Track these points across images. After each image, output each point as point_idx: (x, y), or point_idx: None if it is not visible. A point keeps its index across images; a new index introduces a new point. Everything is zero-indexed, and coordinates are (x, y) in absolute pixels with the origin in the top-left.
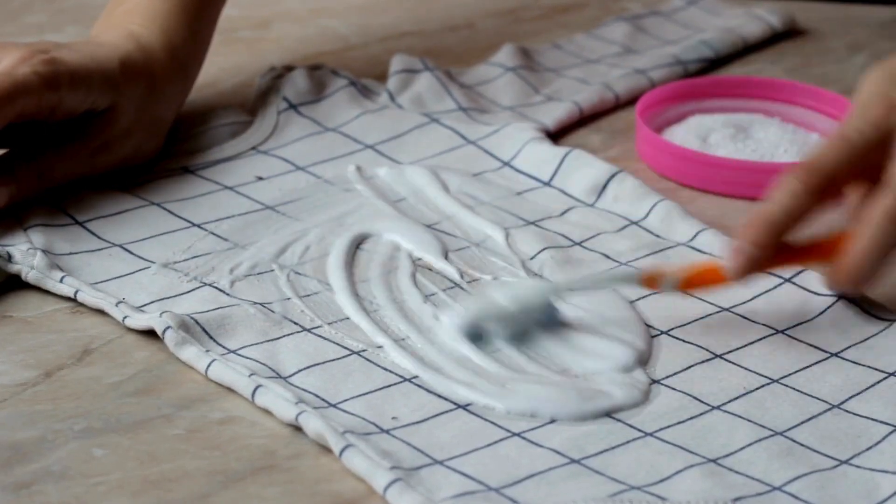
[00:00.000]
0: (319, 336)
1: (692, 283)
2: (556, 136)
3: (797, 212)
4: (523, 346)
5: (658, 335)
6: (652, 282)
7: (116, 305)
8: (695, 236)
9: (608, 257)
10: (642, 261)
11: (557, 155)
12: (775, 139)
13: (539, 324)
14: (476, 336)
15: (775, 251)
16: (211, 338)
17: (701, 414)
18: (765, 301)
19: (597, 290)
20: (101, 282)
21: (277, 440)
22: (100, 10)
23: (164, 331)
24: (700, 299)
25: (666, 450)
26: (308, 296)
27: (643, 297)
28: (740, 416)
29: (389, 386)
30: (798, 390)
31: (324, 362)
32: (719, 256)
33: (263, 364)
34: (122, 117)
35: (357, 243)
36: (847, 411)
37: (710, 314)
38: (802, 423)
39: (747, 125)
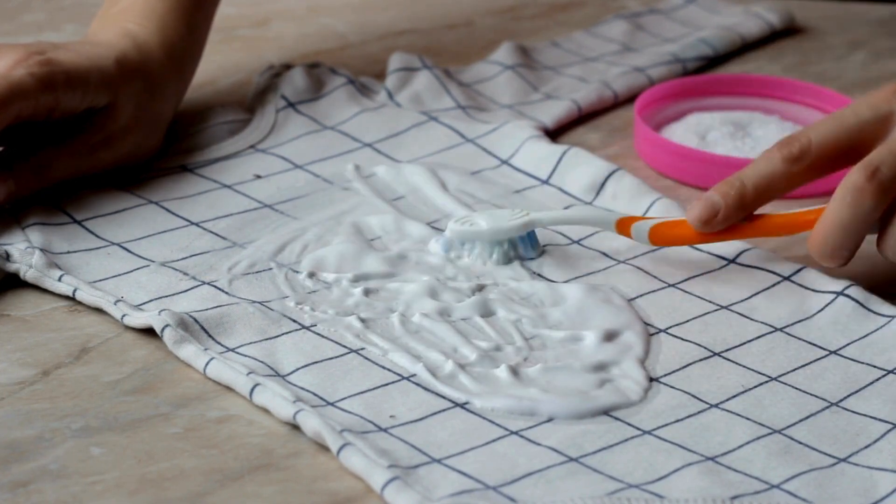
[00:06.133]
0: (318, 334)
1: (662, 232)
2: (554, 134)
3: (771, 177)
4: (497, 262)
5: (656, 333)
6: (625, 227)
7: (115, 304)
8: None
9: (606, 255)
10: (641, 258)
11: (556, 153)
12: (774, 137)
13: (516, 250)
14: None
15: (746, 216)
16: (209, 336)
17: (699, 412)
18: (763, 299)
19: (572, 225)
20: (100, 280)
21: (275, 438)
22: (98, 8)
23: (163, 329)
24: (698, 297)
25: (664, 448)
26: (307, 293)
27: (641, 294)
28: (738, 415)
29: (387, 384)
30: (796, 388)
31: (322, 360)
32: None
33: (262, 362)
34: (120, 115)
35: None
36: (845, 409)
37: (709, 312)
38: (801, 420)
39: (746, 123)
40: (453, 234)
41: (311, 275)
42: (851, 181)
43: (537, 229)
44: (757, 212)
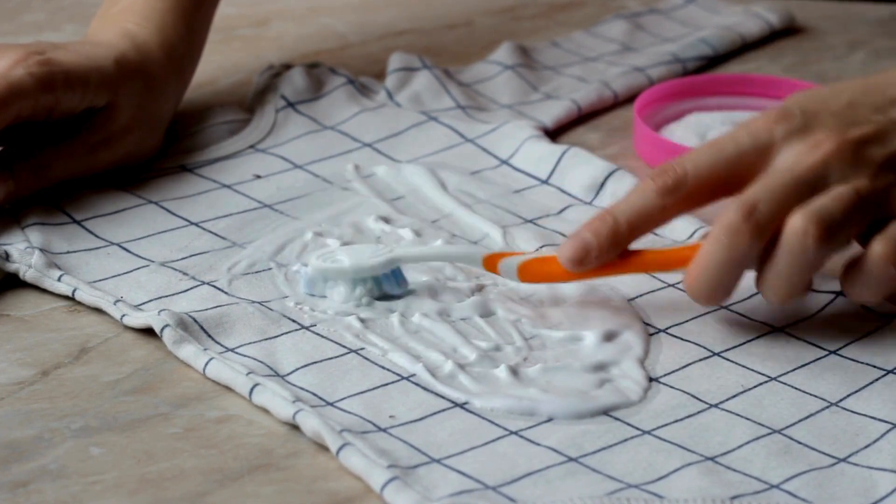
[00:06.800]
0: (317, 334)
1: (531, 270)
2: (554, 134)
3: (644, 211)
4: (364, 306)
5: (656, 333)
6: (492, 264)
7: (115, 304)
8: (692, 234)
9: None
10: None
11: (555, 153)
12: None
13: (381, 288)
14: (319, 287)
15: (620, 252)
16: (209, 336)
17: (699, 412)
18: (763, 298)
19: (438, 262)
20: (99, 280)
21: (274, 439)
22: (98, 8)
23: (162, 329)
24: None
25: (664, 448)
26: (306, 293)
27: (641, 294)
28: (738, 415)
29: (387, 384)
30: (796, 388)
31: (321, 360)
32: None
33: (261, 362)
34: (120, 114)
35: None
36: (845, 409)
37: (709, 312)
38: (800, 420)
39: None
40: (315, 271)
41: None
42: (727, 220)
43: (404, 266)
44: (632, 246)
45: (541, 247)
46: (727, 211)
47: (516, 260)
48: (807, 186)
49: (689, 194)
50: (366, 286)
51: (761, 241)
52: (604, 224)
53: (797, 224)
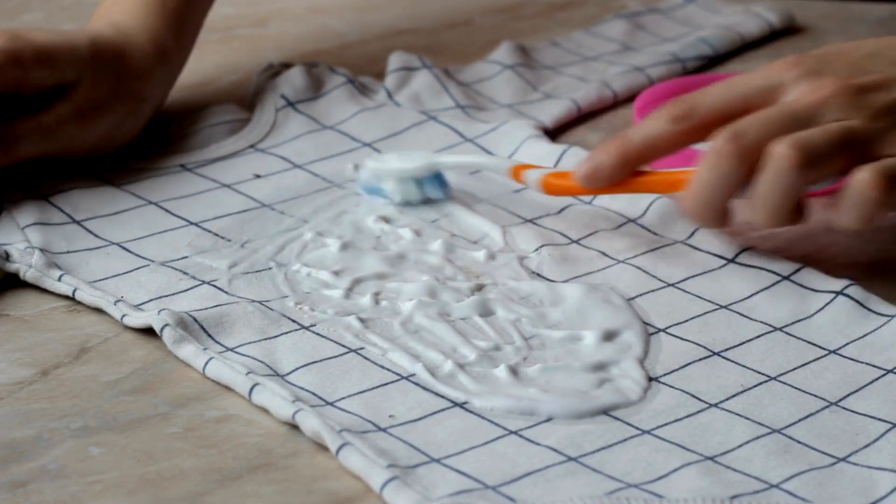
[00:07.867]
0: (317, 334)
1: (551, 182)
2: (553, 133)
3: (656, 137)
4: (414, 203)
5: (656, 332)
6: (518, 174)
7: (115, 304)
8: (692, 234)
9: (605, 255)
10: (640, 258)
11: (555, 152)
12: None
13: (423, 190)
14: (376, 190)
15: (630, 172)
16: (209, 336)
17: (698, 411)
18: (763, 298)
19: (472, 168)
20: (100, 280)
21: (274, 438)
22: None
23: (162, 328)
24: (698, 297)
25: (663, 447)
26: (306, 293)
27: (641, 294)
28: (738, 414)
29: (386, 384)
30: (796, 388)
31: (321, 360)
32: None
33: (261, 362)
34: (92, 91)
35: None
36: (845, 408)
37: (709, 311)
38: (800, 420)
39: None
40: (368, 171)
41: (311, 274)
42: (714, 144)
43: (449, 172)
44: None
45: (540, 246)
46: (716, 137)
47: (540, 172)
48: (798, 120)
49: (698, 124)
50: (408, 187)
51: (745, 164)
52: (616, 145)
53: (778, 148)
